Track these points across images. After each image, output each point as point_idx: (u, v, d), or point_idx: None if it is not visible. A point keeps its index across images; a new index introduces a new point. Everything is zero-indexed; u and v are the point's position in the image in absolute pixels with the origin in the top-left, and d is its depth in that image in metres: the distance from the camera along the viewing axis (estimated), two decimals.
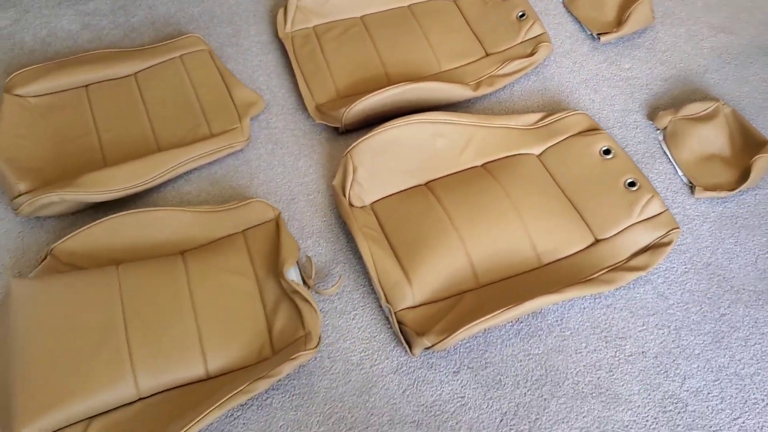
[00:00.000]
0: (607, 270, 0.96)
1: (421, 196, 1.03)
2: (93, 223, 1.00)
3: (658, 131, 1.13)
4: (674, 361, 0.91)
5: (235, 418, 0.88)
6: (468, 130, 1.08)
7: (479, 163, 1.08)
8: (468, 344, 0.93)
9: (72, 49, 1.28)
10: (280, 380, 0.89)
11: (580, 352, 0.92)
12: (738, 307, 0.95)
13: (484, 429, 0.86)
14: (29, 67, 1.17)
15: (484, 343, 0.93)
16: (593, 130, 1.09)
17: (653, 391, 0.89)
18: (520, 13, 1.25)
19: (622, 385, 0.89)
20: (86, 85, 1.19)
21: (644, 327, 0.94)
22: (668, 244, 0.97)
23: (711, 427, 0.86)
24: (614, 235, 0.99)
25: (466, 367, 0.91)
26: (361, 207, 1.03)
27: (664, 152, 1.11)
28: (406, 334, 0.91)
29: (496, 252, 0.97)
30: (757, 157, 1.04)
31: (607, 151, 1.06)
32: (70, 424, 0.85)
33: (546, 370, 0.91)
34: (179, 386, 0.89)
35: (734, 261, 0.99)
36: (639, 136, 1.13)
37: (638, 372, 0.90)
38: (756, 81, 1.20)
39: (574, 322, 0.94)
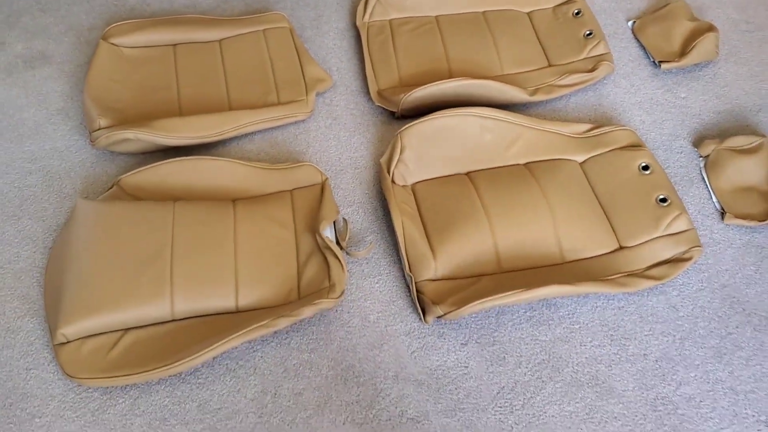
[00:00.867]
0: (624, 274, 1.00)
1: (460, 184, 1.09)
2: (160, 162, 1.10)
3: (701, 158, 1.16)
4: (673, 367, 0.95)
5: (254, 351, 0.96)
6: (517, 129, 1.14)
7: (522, 161, 1.14)
8: (480, 321, 0.98)
9: (167, 12, 1.40)
10: (301, 322, 0.97)
11: (585, 345, 0.96)
12: (746, 329, 0.98)
13: (481, 397, 0.92)
14: (128, 21, 1.29)
15: (496, 323, 0.98)
16: (636, 146, 1.14)
17: (647, 390, 0.93)
18: (588, 32, 1.31)
19: (619, 381, 0.93)
20: (174, 45, 1.30)
21: (650, 332, 0.98)
22: (688, 260, 1.01)
23: (696, 431, 0.89)
24: (638, 244, 1.03)
25: (474, 342, 0.97)
26: (403, 186, 1.10)
27: (703, 178, 1.14)
28: (422, 302, 0.97)
29: (522, 242, 1.02)
30: None
31: (645, 167, 1.10)
32: (108, 332, 0.95)
33: (549, 356, 0.95)
34: (210, 315, 0.98)
35: (751, 287, 1.02)
36: (682, 160, 1.17)
37: (636, 371, 0.94)
38: None
39: (584, 318, 0.99)
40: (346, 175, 1.15)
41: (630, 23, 1.38)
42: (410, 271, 1.00)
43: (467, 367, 0.95)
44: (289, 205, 1.07)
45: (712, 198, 1.12)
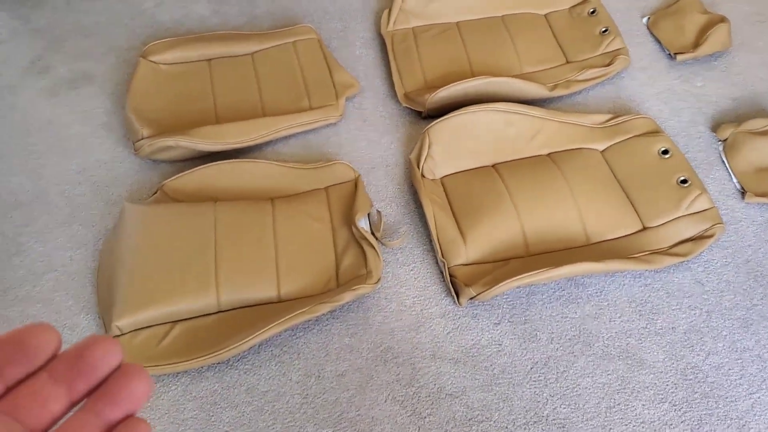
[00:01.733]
0: (650, 252, 1.04)
1: (486, 174, 1.14)
2: (200, 167, 1.16)
3: (719, 142, 1.20)
4: (701, 338, 0.98)
5: (297, 337, 1.01)
6: (538, 122, 1.19)
7: (545, 152, 1.18)
8: (511, 302, 1.03)
9: (201, 30, 1.48)
10: (340, 307, 1.01)
11: (614, 321, 1.00)
12: None
13: (515, 372, 0.96)
14: (164, 39, 1.37)
15: (526, 303, 1.03)
16: (655, 132, 1.18)
17: (677, 361, 0.96)
18: (604, 29, 1.36)
19: (649, 353, 0.97)
20: (209, 59, 1.37)
21: (678, 307, 1.01)
22: (711, 237, 1.05)
23: (727, 397, 0.92)
24: (661, 224, 1.07)
25: (506, 321, 1.01)
26: (432, 179, 1.15)
27: (722, 161, 1.18)
28: (455, 286, 1.02)
29: (548, 226, 1.07)
30: None
31: (665, 152, 1.14)
32: (159, 324, 1.01)
33: (579, 332, 0.99)
34: (253, 305, 1.03)
35: None
36: (701, 145, 1.21)
37: (666, 343, 0.98)
38: None
39: (613, 296, 1.03)
40: (378, 173, 1.20)
41: (645, 19, 1.43)
42: (442, 257, 1.04)
43: (501, 344, 0.99)
44: (324, 202, 1.13)
45: (732, 179, 1.15)
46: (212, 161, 1.19)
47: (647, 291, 1.03)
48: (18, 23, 1.51)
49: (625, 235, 1.07)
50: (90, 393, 0.32)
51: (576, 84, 1.29)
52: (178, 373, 0.99)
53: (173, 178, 1.16)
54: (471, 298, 0.99)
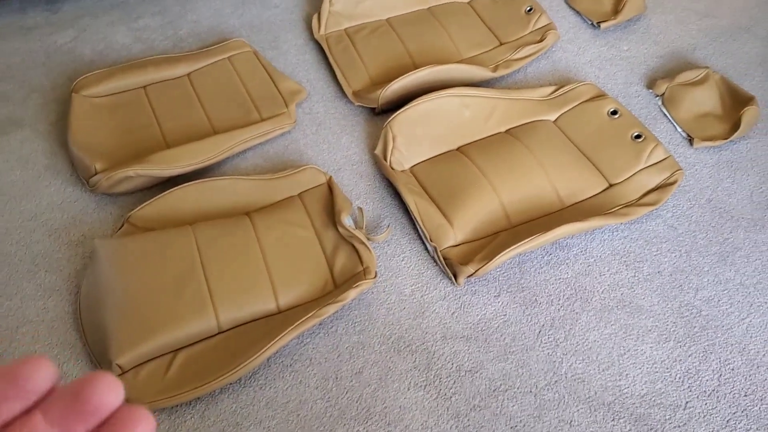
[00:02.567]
0: (622, 206, 1.10)
1: (454, 158, 1.17)
2: (165, 192, 1.13)
3: (657, 97, 1.28)
4: (687, 277, 1.04)
5: (305, 344, 1.00)
6: (491, 102, 1.23)
7: (503, 129, 1.23)
8: (505, 273, 1.06)
9: (127, 59, 1.43)
10: (344, 308, 1.02)
11: (604, 275, 1.05)
12: (739, 232, 1.09)
13: (526, 338, 0.99)
14: (94, 72, 1.32)
15: (519, 272, 1.06)
16: (600, 96, 1.25)
17: (671, 301, 1.02)
18: (528, 8, 1.42)
19: (643, 299, 1.02)
20: (144, 86, 1.33)
21: (658, 252, 1.07)
22: (674, 183, 1.12)
23: (723, 326, 0.99)
24: (626, 179, 1.13)
25: (505, 292, 1.04)
26: (402, 171, 1.17)
27: (664, 114, 1.26)
28: (451, 267, 1.04)
29: (525, 197, 1.11)
30: (745, 109, 1.19)
31: (614, 112, 1.21)
32: (160, 355, 0.98)
33: (575, 290, 1.04)
34: (254, 320, 1.02)
35: (732, 196, 1.14)
36: (641, 102, 1.28)
37: (656, 287, 1.03)
38: (739, 54, 1.37)
39: (597, 252, 1.08)
40: (345, 172, 1.21)
41: None
42: (432, 242, 1.06)
43: (505, 315, 1.02)
44: (301, 208, 1.13)
45: (677, 129, 1.23)
46: (172, 186, 1.16)
47: (627, 242, 1.09)
48: None
49: (596, 194, 1.13)
50: None
51: (515, 63, 1.34)
52: (190, 401, 0.96)
53: (138, 208, 1.13)
54: (469, 276, 1.02)
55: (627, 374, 0.95)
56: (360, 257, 1.04)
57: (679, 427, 0.91)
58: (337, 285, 1.04)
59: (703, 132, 1.21)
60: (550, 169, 1.13)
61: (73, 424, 0.29)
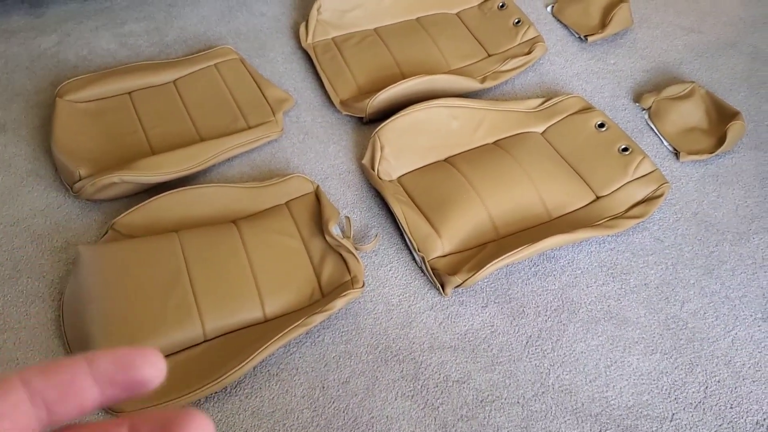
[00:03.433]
0: (609, 218, 1.10)
1: (442, 168, 1.17)
2: (151, 199, 1.12)
3: (644, 111, 1.29)
4: (673, 289, 1.05)
5: (291, 354, 0.99)
6: (479, 113, 1.23)
7: (491, 140, 1.23)
8: (492, 284, 1.06)
9: (112, 65, 1.42)
10: (331, 317, 1.01)
11: (591, 286, 1.05)
12: (724, 246, 1.10)
13: (513, 349, 0.99)
14: (79, 77, 1.31)
15: (507, 283, 1.06)
16: (588, 109, 1.25)
17: (657, 313, 1.02)
18: (516, 20, 1.43)
19: (630, 311, 1.02)
20: (129, 92, 1.32)
21: (645, 264, 1.08)
22: (660, 196, 1.12)
23: (709, 339, 0.99)
24: (613, 192, 1.14)
25: (492, 302, 1.04)
26: (389, 181, 1.17)
27: (651, 127, 1.27)
28: (439, 277, 1.04)
29: (512, 208, 1.11)
30: (730, 124, 1.20)
31: (601, 125, 1.22)
32: None
33: (563, 302, 1.04)
34: (240, 328, 1.01)
35: (718, 210, 1.14)
36: (628, 116, 1.29)
37: (643, 299, 1.04)
38: (724, 69, 1.38)
39: (584, 263, 1.08)
40: (333, 182, 1.20)
41: (549, 8, 1.52)
42: (420, 252, 1.06)
43: (493, 325, 1.01)
44: (288, 216, 1.12)
45: (663, 142, 1.24)
46: (157, 193, 1.15)
47: (614, 254, 1.09)
48: None
49: (583, 206, 1.13)
50: None
51: (503, 74, 1.34)
52: None
53: (123, 214, 1.11)
54: (457, 286, 1.01)
55: (614, 385, 0.95)
56: (347, 266, 1.04)
57: None
58: (325, 294, 1.03)
59: (689, 146, 1.22)
60: (537, 181, 1.13)
61: None
